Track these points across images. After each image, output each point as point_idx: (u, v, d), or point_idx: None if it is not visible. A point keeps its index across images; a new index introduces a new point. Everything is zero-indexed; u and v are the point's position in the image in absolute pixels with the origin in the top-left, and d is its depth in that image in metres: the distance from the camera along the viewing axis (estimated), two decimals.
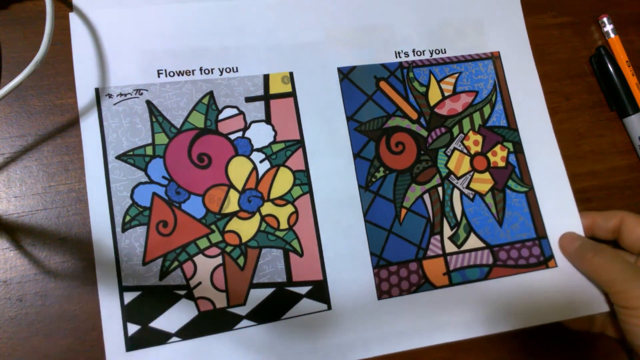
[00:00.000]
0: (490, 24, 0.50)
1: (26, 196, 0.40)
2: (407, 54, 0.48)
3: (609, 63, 0.51)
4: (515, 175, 0.47)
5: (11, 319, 0.38)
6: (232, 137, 0.43)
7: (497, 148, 0.47)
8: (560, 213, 0.47)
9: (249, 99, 0.44)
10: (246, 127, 0.43)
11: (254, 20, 0.45)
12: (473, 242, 0.45)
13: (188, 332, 0.40)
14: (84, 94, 0.41)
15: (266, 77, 0.44)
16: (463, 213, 0.46)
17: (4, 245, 0.39)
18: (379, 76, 0.47)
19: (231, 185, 0.42)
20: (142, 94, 0.42)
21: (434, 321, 0.43)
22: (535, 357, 0.45)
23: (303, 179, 0.43)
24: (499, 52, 0.49)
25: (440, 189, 0.46)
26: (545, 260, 0.46)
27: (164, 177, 0.41)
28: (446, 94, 0.48)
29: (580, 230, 0.47)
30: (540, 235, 0.46)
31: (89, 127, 0.41)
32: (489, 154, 0.47)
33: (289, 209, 0.43)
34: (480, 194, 0.46)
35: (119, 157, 0.41)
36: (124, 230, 0.40)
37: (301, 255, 0.42)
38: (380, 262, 0.43)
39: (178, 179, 0.41)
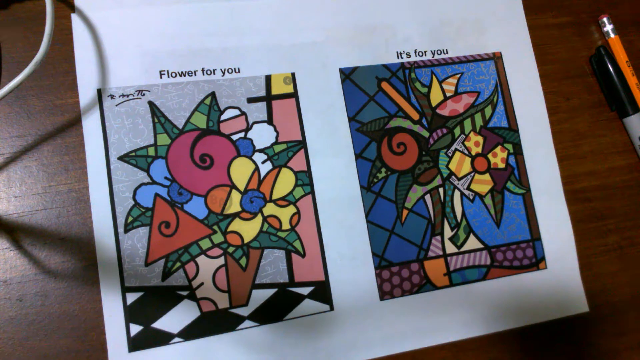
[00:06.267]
0: (491, 24, 0.50)
1: (26, 196, 0.40)
2: (408, 55, 0.48)
3: (609, 63, 0.51)
4: (514, 177, 0.47)
5: (11, 319, 0.38)
6: (234, 137, 0.43)
7: (498, 149, 0.48)
8: (553, 215, 0.48)
9: (250, 100, 0.44)
10: (248, 128, 0.43)
11: (255, 20, 0.45)
12: (472, 243, 0.46)
13: (190, 332, 0.40)
14: (86, 95, 0.41)
15: (268, 78, 0.44)
16: (463, 214, 0.46)
17: (4, 245, 0.39)
18: (380, 77, 0.46)
19: (233, 186, 0.42)
20: (144, 94, 0.42)
21: (436, 321, 0.44)
22: (535, 357, 0.45)
23: (305, 179, 0.44)
24: (500, 53, 0.49)
25: (441, 190, 0.46)
26: (537, 262, 0.47)
27: (166, 178, 0.41)
28: (448, 94, 0.48)
29: (570, 233, 0.48)
30: (535, 237, 0.47)
31: (91, 128, 0.41)
32: (490, 155, 0.47)
33: (291, 209, 0.43)
34: (480, 195, 0.47)
35: (121, 158, 0.41)
36: (126, 231, 0.40)
37: (303, 256, 0.42)
38: (382, 263, 0.44)
39: (180, 180, 0.41)
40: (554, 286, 0.47)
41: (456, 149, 0.47)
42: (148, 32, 0.43)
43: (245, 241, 0.42)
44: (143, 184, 0.41)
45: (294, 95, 0.45)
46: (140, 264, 0.40)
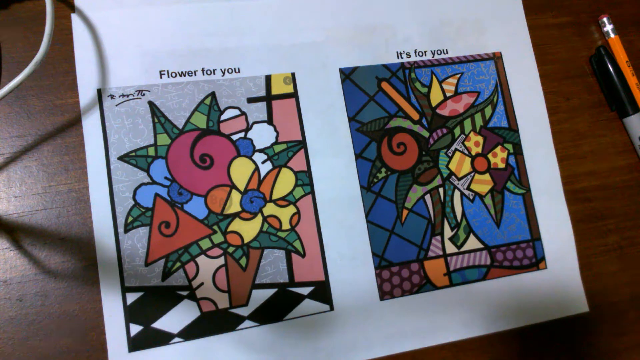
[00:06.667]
0: (491, 24, 0.50)
1: (26, 196, 0.40)
2: (408, 55, 0.48)
3: (609, 63, 0.51)
4: (514, 177, 0.47)
5: (11, 319, 0.38)
6: (234, 137, 0.43)
7: (498, 149, 0.48)
8: (553, 215, 0.48)
9: (250, 100, 0.44)
10: (248, 128, 0.43)
11: (255, 21, 0.45)
12: (472, 243, 0.46)
13: (190, 332, 0.40)
14: (86, 95, 0.41)
15: (268, 78, 0.44)
16: (463, 214, 0.46)
17: (4, 245, 0.39)
18: (380, 77, 0.46)
19: (233, 186, 0.42)
20: (144, 94, 0.42)
21: (436, 321, 0.44)
22: (535, 357, 0.45)
23: (305, 179, 0.44)
24: (500, 53, 0.49)
25: (441, 190, 0.46)
26: (537, 262, 0.47)
27: (166, 178, 0.41)
28: (448, 94, 0.48)
29: (569, 233, 0.48)
30: (535, 237, 0.47)
31: (91, 128, 0.41)
32: (490, 155, 0.47)
33: (291, 209, 0.43)
34: (480, 195, 0.47)
35: (121, 158, 0.41)
36: (126, 231, 0.40)
37: (303, 256, 0.42)
38: (382, 263, 0.44)
39: (180, 180, 0.41)
40: (554, 286, 0.47)
41: (456, 149, 0.47)
42: (148, 32, 0.43)
43: (245, 241, 0.42)
44: (143, 184, 0.41)
45: (294, 95, 0.45)
46: (140, 264, 0.40)
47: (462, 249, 0.45)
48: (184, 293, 0.40)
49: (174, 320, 0.40)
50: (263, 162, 0.43)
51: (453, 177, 0.46)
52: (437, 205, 0.46)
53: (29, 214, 0.40)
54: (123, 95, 0.42)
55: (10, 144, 0.40)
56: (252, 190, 0.42)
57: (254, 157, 0.43)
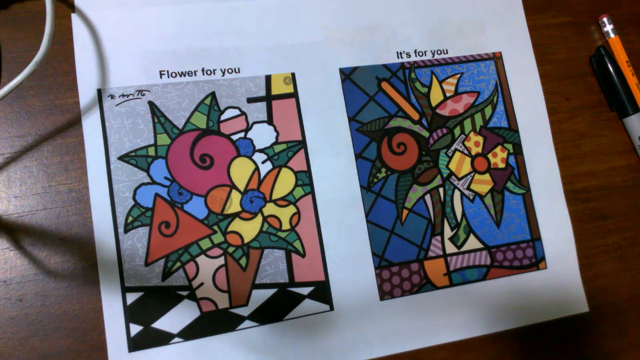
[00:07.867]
0: (491, 24, 0.50)
1: (26, 196, 0.40)
2: (408, 55, 0.48)
3: (609, 63, 0.51)
4: (514, 177, 0.47)
5: (11, 319, 0.38)
6: (234, 137, 0.43)
7: (498, 149, 0.48)
8: (553, 215, 0.48)
9: (250, 100, 0.44)
10: (248, 128, 0.43)
11: (255, 21, 0.45)
12: (472, 243, 0.46)
13: (190, 332, 0.40)
14: (86, 95, 0.41)
15: (268, 78, 0.44)
16: (463, 214, 0.46)
17: (4, 245, 0.39)
18: (380, 77, 0.46)
19: (233, 186, 0.42)
20: (144, 94, 0.42)
21: (436, 321, 0.44)
22: (535, 357, 0.45)
23: (305, 179, 0.44)
24: (500, 53, 0.49)
25: (441, 190, 0.46)
26: (537, 262, 0.47)
27: (166, 178, 0.41)
28: (448, 94, 0.48)
29: (569, 233, 0.48)
30: (535, 237, 0.47)
31: (91, 128, 0.41)
32: (490, 155, 0.47)
33: (291, 209, 0.43)
34: (480, 195, 0.47)
35: (121, 158, 0.41)
36: (126, 231, 0.40)
37: (303, 255, 0.42)
38: (382, 263, 0.44)
39: (180, 180, 0.41)
40: (554, 286, 0.47)
41: (456, 149, 0.47)
42: (148, 32, 0.43)
43: (245, 241, 0.42)
44: (143, 184, 0.41)
45: (294, 95, 0.45)
46: (140, 264, 0.40)
47: (462, 249, 0.45)
48: (184, 293, 0.40)
49: (174, 320, 0.40)
50: (263, 162, 0.43)
51: (453, 177, 0.46)
52: (437, 205, 0.46)
53: (29, 214, 0.40)
54: (123, 95, 0.42)
55: (10, 144, 0.40)
56: (252, 190, 0.42)
57: (254, 157, 0.43)
